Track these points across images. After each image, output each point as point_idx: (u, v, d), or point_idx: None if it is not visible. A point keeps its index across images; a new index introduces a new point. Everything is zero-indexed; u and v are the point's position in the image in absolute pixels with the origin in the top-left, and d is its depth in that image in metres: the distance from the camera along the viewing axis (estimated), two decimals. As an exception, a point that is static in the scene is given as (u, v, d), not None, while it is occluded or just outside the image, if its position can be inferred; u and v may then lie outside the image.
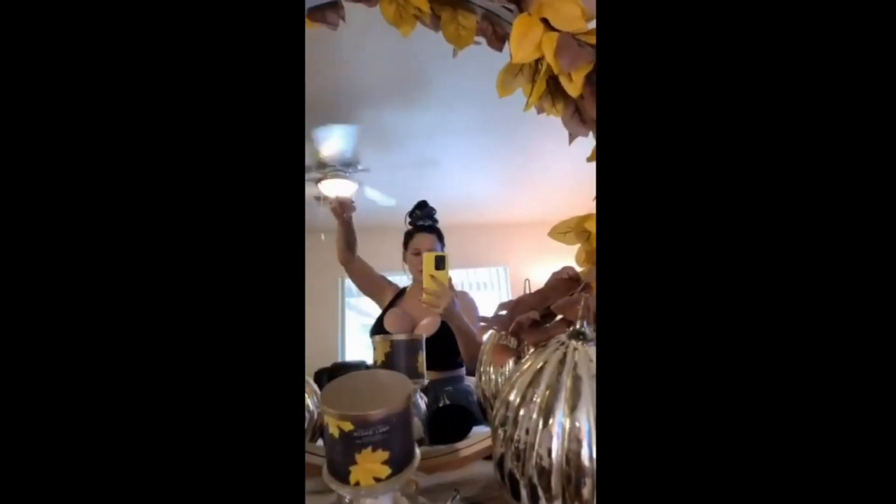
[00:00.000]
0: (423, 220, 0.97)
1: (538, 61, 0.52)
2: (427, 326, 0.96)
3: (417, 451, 0.38)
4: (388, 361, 0.58)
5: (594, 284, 0.51)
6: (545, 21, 0.48)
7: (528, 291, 0.59)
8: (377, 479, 0.33)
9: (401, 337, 0.60)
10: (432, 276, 0.78)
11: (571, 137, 0.56)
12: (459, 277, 1.00)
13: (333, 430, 0.33)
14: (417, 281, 0.99)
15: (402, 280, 1.12)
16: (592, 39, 0.50)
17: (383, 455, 0.33)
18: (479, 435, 0.59)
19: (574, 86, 0.49)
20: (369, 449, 0.33)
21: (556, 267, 0.58)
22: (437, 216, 1.00)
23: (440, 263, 0.78)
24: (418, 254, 0.90)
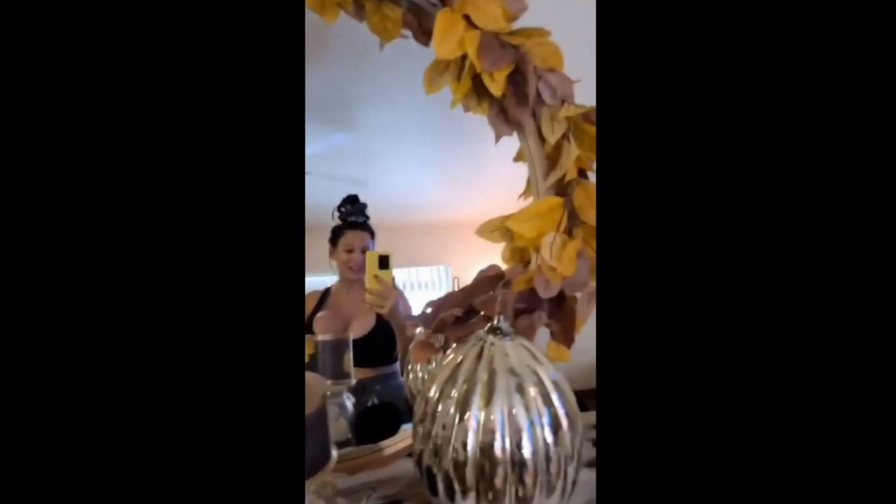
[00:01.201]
0: (354, 215, 0.93)
1: (464, 58, 0.52)
2: (360, 326, 0.94)
3: (334, 452, 0.37)
4: (312, 363, 0.56)
5: (515, 281, 0.52)
6: (468, 18, 0.48)
7: (457, 289, 0.60)
8: (286, 486, 0.32)
9: (326, 337, 0.58)
10: (376, 276, 0.75)
11: (497, 137, 0.57)
12: (400, 277, 0.98)
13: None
14: (346, 279, 0.95)
15: (327, 281, 1.08)
16: (515, 40, 0.51)
17: (293, 460, 0.32)
18: (404, 433, 0.59)
19: (496, 85, 0.50)
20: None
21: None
22: (377, 215, 0.96)
23: (384, 263, 0.76)
24: (351, 251, 0.87)
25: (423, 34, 0.54)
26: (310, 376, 0.38)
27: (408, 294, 0.99)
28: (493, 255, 0.61)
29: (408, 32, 0.55)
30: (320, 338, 0.58)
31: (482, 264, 0.60)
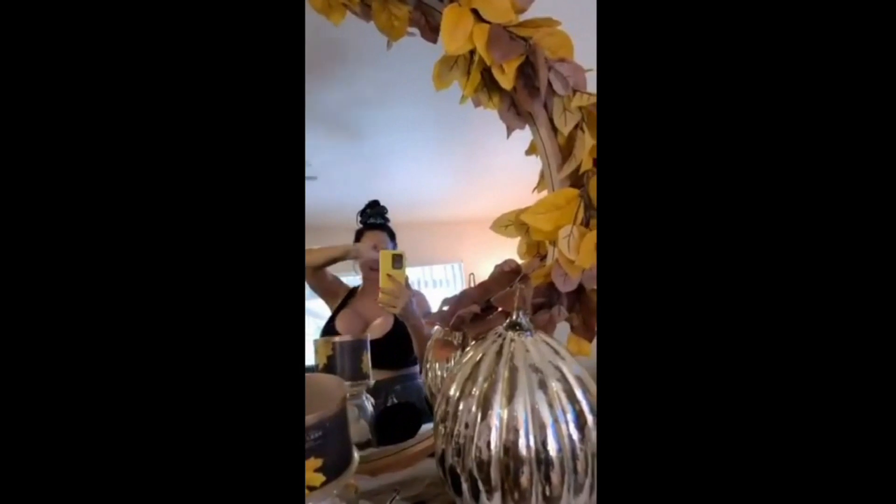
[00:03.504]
0: (373, 218, 0.95)
1: (472, 53, 0.51)
2: (379, 326, 0.94)
3: (356, 454, 0.37)
4: (331, 364, 0.56)
5: (532, 275, 0.51)
6: (475, 12, 0.47)
7: (473, 285, 0.59)
8: (310, 488, 0.32)
9: (344, 338, 0.58)
10: (389, 275, 0.75)
11: (509, 131, 0.56)
12: (415, 275, 0.98)
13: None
14: (368, 280, 0.97)
15: (353, 280, 1.09)
16: (524, 32, 0.50)
17: (316, 463, 0.32)
18: (425, 432, 0.58)
19: (506, 78, 0.49)
20: (300, 457, 0.31)
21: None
22: (389, 215, 0.98)
23: (397, 262, 0.76)
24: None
25: (431, 31, 0.54)
26: (328, 378, 0.38)
27: (423, 292, 0.99)
28: (507, 250, 0.60)
29: (415, 30, 0.54)
30: (337, 339, 0.58)
31: (496, 260, 0.60)
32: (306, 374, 0.48)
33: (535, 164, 0.62)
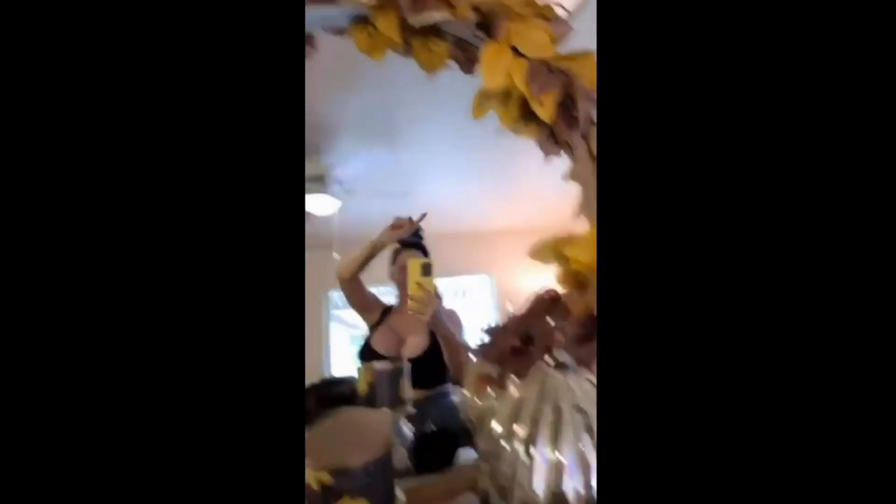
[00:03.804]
0: (409, 236, 0.99)
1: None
2: (414, 344, 0.96)
3: (400, 493, 0.37)
4: (372, 392, 0.57)
5: (573, 306, 0.50)
6: (513, 48, 0.48)
7: (509, 312, 0.59)
8: (358, 528, 0.32)
9: (384, 366, 0.59)
10: (418, 283, 0.76)
11: (546, 157, 0.56)
12: (444, 286, 1.01)
13: (311, 481, 0.32)
14: (402, 296, 1.00)
15: (388, 294, 1.12)
16: (563, 64, 0.50)
17: (361, 503, 0.32)
18: (463, 466, 0.58)
19: (545, 111, 0.49)
20: (346, 497, 0.32)
21: (541, 274, 0.58)
22: (422, 233, 1.01)
23: (427, 270, 0.77)
24: (404, 269, 0.90)
25: (468, 62, 0.55)
26: (375, 415, 0.39)
27: (449, 302, 1.02)
28: (536, 265, 0.60)
29: (452, 63, 0.56)
30: (377, 366, 0.59)
31: (525, 270, 0.59)
32: (353, 409, 0.49)
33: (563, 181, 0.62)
